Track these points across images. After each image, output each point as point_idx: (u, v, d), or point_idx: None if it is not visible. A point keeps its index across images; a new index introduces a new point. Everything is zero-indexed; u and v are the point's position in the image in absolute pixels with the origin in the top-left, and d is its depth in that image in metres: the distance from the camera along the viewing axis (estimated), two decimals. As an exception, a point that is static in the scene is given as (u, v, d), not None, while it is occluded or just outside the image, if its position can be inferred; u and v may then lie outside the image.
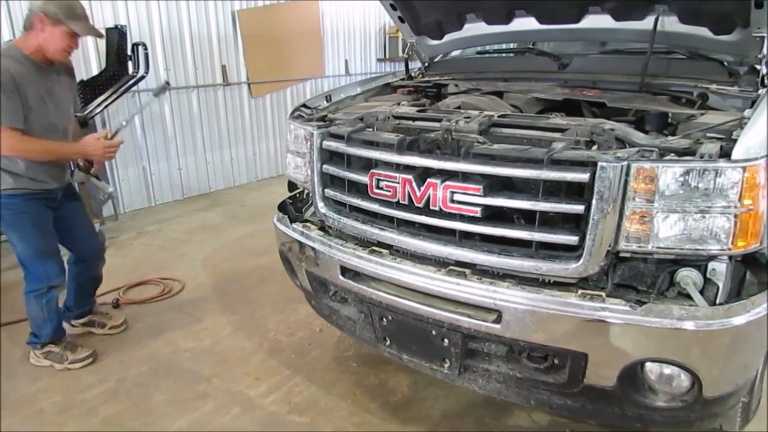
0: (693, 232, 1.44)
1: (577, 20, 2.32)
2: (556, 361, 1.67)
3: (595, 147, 1.60)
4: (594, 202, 1.46)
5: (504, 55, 2.96)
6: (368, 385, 2.45)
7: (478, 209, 1.62)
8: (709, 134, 1.57)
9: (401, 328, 1.88)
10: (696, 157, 1.43)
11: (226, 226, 4.71)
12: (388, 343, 1.96)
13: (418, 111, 2.08)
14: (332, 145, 2.00)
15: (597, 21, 2.29)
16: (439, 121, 1.88)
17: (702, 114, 1.82)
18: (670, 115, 1.86)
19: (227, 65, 5.79)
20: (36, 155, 2.33)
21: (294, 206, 2.50)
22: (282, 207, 2.43)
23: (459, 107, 2.23)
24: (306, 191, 2.42)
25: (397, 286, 1.83)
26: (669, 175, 1.42)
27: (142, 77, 4.26)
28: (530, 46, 2.84)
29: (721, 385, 1.53)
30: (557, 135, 1.68)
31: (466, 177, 1.66)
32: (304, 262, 2.18)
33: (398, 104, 2.37)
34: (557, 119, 1.79)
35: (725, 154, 1.42)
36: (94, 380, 2.52)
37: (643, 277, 1.57)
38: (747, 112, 1.57)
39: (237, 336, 2.89)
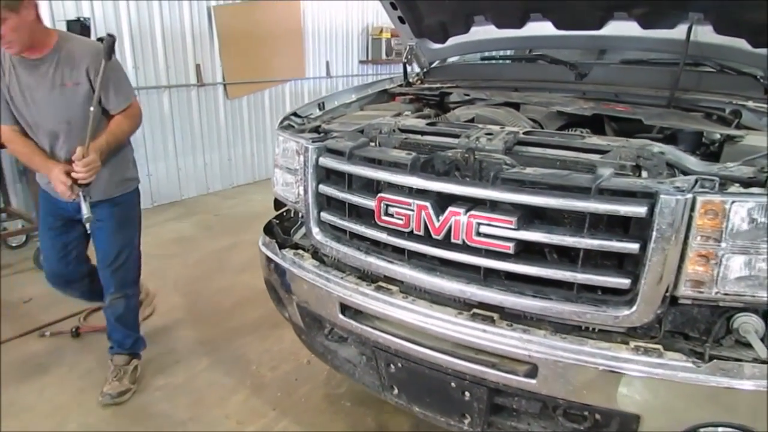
0: (765, 276, 1.24)
1: (599, 27, 2.11)
2: (598, 418, 1.44)
3: (644, 173, 1.39)
4: (653, 240, 1.25)
5: (512, 61, 2.74)
6: (366, 429, 2.19)
7: (511, 245, 1.38)
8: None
9: (413, 377, 1.63)
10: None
11: (201, 239, 4.37)
12: (396, 392, 1.70)
13: (428, 124, 1.83)
14: (330, 162, 1.74)
15: (621, 28, 2.08)
16: (453, 136, 1.64)
17: (746, 135, 1.63)
18: (704, 134, 1.67)
19: (202, 64, 5.43)
20: (18, 156, 2.31)
21: (281, 226, 2.22)
22: (268, 229, 2.15)
23: (472, 120, 2.00)
24: (296, 211, 2.14)
25: (408, 328, 1.58)
26: (741, 210, 1.21)
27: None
28: (539, 53, 2.61)
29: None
30: (596, 157, 1.47)
31: (494, 206, 1.42)
32: (294, 296, 1.90)
33: (400, 114, 2.12)
34: (594, 138, 1.57)
35: (794, 183, 1.23)
36: (49, 426, 2.18)
37: (696, 323, 1.37)
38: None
39: (215, 370, 2.59)
